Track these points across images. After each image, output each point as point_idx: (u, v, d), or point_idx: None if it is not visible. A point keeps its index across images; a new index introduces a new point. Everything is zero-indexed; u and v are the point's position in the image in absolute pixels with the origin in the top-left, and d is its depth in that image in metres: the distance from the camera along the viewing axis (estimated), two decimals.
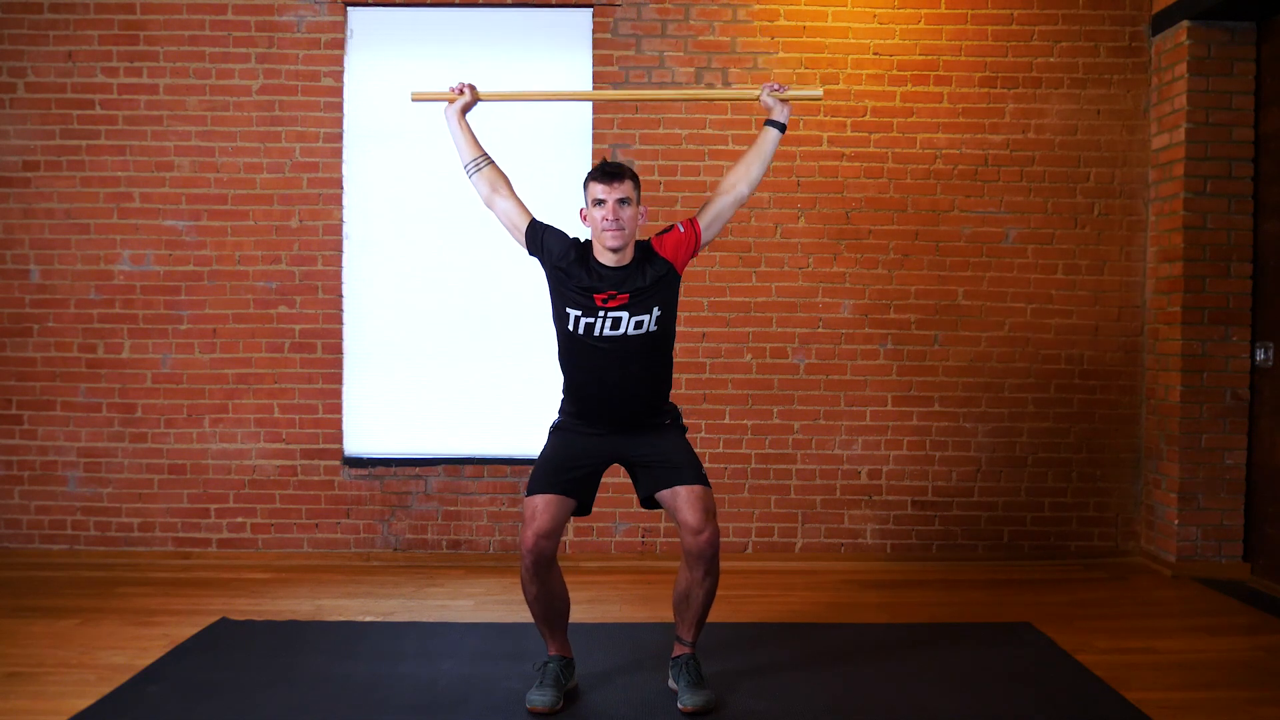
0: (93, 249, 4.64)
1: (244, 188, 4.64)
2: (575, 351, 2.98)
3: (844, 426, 4.69)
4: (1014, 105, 4.67)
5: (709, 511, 2.89)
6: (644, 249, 3.00)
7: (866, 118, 4.66)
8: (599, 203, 2.91)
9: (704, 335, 4.67)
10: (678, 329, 3.21)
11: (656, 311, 2.95)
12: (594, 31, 4.64)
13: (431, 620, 3.81)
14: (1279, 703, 3.06)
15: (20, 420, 4.66)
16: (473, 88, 3.15)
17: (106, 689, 3.07)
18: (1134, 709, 2.95)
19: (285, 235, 4.64)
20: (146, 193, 4.64)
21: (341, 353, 4.69)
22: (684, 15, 4.63)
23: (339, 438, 4.68)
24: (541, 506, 2.89)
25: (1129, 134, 4.70)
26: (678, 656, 3.05)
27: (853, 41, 4.64)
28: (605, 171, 2.93)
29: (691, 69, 4.63)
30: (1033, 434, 4.72)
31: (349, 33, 4.66)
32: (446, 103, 3.16)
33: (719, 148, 4.64)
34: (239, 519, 4.67)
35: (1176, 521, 4.48)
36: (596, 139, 4.62)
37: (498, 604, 4.01)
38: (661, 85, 4.62)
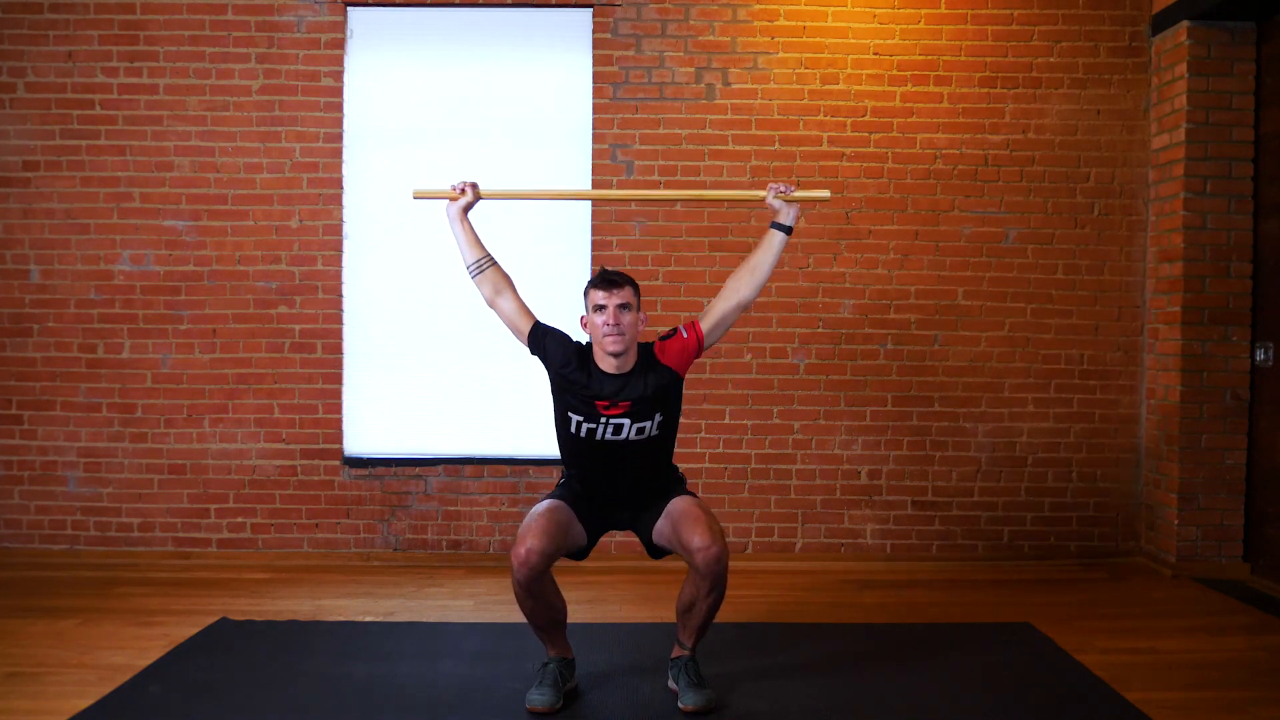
0: (93, 249, 4.64)
1: (244, 188, 4.64)
2: (577, 450, 3.04)
3: (844, 426, 4.69)
4: (1014, 105, 4.67)
5: (714, 531, 2.89)
6: (646, 355, 3.01)
7: (866, 118, 4.66)
8: (599, 308, 2.94)
9: None
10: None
11: (658, 417, 2.99)
12: (594, 31, 4.64)
13: (431, 620, 3.81)
14: (1279, 703, 3.06)
15: (20, 420, 4.66)
16: (474, 186, 3.13)
17: (106, 689, 3.07)
18: (1134, 709, 2.95)
19: (285, 235, 4.64)
20: (146, 193, 4.64)
21: (341, 353, 4.69)
22: (684, 15, 4.63)
23: (339, 438, 4.68)
24: (540, 526, 2.89)
25: (1129, 134, 4.70)
26: (677, 657, 3.06)
27: (853, 41, 4.64)
28: (605, 279, 2.97)
29: (691, 69, 4.63)
30: (1033, 434, 4.72)
31: (349, 33, 4.66)
32: (448, 201, 3.14)
33: (719, 147, 4.64)
34: (239, 519, 4.67)
35: (1176, 521, 4.48)
36: (597, 139, 4.62)
37: (498, 604, 4.00)
38: (662, 85, 4.62)
